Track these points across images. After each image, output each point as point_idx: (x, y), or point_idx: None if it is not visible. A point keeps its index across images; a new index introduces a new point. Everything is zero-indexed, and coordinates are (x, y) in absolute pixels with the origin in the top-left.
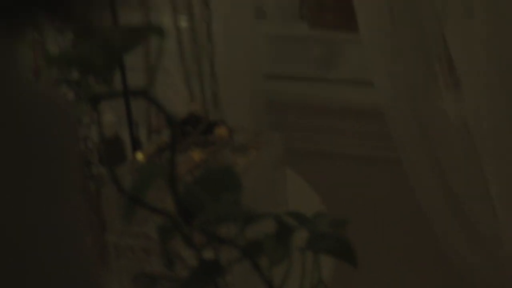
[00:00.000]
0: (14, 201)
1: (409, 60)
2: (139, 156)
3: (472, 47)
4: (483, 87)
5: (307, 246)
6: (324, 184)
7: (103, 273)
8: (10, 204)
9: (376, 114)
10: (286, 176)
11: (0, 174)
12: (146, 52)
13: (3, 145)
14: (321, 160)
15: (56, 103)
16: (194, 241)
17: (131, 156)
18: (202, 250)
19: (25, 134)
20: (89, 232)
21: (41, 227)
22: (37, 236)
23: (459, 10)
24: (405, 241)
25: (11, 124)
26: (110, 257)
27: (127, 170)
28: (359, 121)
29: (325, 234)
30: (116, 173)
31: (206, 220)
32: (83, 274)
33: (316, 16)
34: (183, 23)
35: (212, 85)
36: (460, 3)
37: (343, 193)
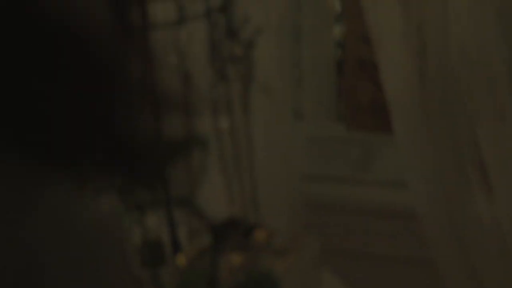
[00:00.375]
0: None
1: (443, 163)
2: (181, 259)
3: (505, 151)
4: None
5: None
6: (360, 284)
7: None
8: None
9: (411, 216)
10: (323, 276)
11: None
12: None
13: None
14: (357, 260)
15: (108, 231)
16: None
17: (171, 258)
18: None
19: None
20: None
21: None
22: None
23: (491, 113)
24: None
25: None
26: None
27: (169, 273)
28: (395, 222)
29: None
30: (158, 276)
31: None
32: None
33: (354, 118)
34: (223, 124)
35: (251, 187)
36: (492, 107)
37: None
